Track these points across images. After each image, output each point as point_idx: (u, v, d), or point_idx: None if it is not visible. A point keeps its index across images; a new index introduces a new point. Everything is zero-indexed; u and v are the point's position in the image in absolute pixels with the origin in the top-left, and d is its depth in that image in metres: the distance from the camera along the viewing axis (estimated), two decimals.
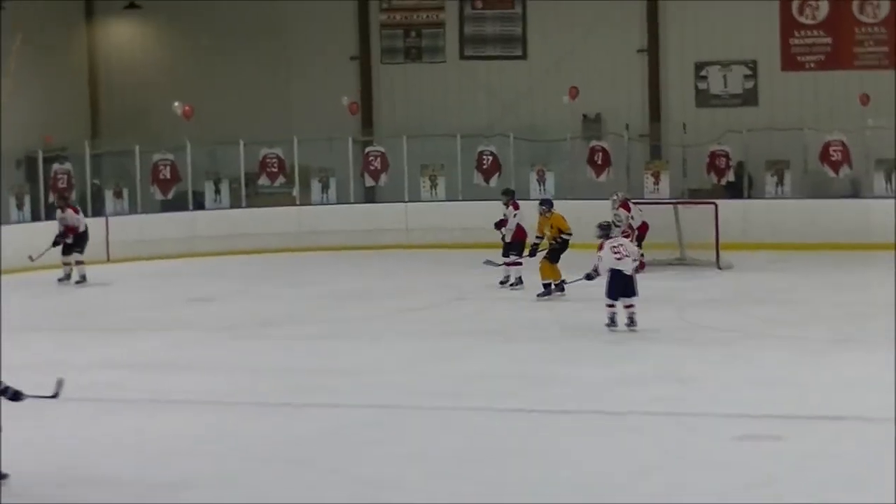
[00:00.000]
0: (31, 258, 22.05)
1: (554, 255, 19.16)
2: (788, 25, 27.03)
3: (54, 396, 10.66)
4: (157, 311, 19.32)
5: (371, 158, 26.97)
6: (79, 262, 22.02)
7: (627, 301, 16.24)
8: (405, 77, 29.01)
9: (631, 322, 16.23)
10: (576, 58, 27.77)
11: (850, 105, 25.50)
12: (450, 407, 12.77)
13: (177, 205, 26.23)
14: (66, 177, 25.50)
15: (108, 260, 24.04)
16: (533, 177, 26.15)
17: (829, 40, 26.87)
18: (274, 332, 17.30)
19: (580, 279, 17.35)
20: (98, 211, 25.20)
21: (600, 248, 16.47)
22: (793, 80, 27.05)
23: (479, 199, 25.23)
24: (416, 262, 23.97)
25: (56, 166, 25.56)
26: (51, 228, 22.52)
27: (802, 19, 26.96)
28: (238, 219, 26.08)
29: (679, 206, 22.85)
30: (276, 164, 26.78)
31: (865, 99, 25.11)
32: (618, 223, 21.36)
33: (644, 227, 21.73)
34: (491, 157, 26.60)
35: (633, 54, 27.76)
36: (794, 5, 26.94)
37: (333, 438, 11.66)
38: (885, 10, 26.52)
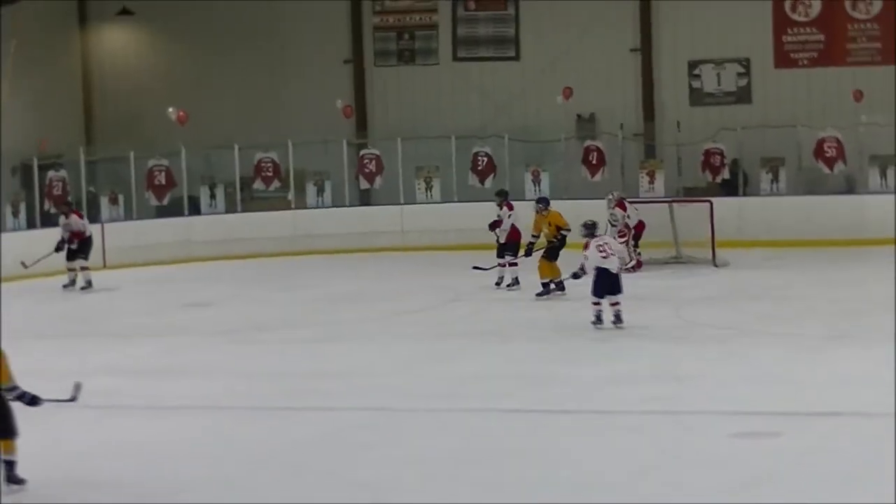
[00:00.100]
0: (24, 265, 22.05)
1: (553, 254, 19.16)
2: (781, 23, 27.07)
3: (72, 400, 10.73)
4: (153, 317, 19.31)
5: (366, 161, 26.97)
6: (84, 268, 22.01)
7: (613, 299, 16.33)
8: (399, 79, 29.02)
9: (617, 319, 16.30)
10: (569, 58, 27.80)
11: (844, 101, 25.54)
12: (446, 408, 12.75)
13: (172, 210, 26.25)
14: (61, 184, 25.50)
15: (105, 266, 24.02)
16: (528, 177, 26.16)
17: (821, 37, 26.91)
18: (269, 336, 17.29)
19: (567, 278, 17.80)
20: (94, 217, 25.13)
21: (586, 247, 16.61)
22: (786, 77, 27.09)
23: (475, 200, 25.25)
24: (412, 264, 23.97)
25: (51, 173, 25.55)
26: (47, 236, 22.51)
27: (795, 16, 26.99)
28: (233, 223, 26.09)
29: (674, 205, 22.88)
30: (271, 169, 26.78)
31: (859, 95, 25.14)
32: (614, 223, 21.48)
33: (640, 226, 21.79)
34: (486, 159, 26.61)
35: (626, 54, 27.79)
36: (787, 3, 27.00)
37: (329, 441, 11.65)
38: (877, 6, 26.58)
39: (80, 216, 22.56)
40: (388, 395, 13.41)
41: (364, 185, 27.04)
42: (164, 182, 26.31)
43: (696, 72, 27.63)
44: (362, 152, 27.15)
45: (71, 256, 22.03)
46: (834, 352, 14.84)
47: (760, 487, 9.78)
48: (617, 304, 16.33)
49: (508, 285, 20.08)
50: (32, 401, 10.47)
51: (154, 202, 26.39)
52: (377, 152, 27.00)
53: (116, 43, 30.14)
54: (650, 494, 9.80)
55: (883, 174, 24.75)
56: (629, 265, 21.41)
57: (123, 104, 29.68)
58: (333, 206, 26.63)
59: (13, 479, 10.31)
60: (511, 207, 20.36)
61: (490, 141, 26.71)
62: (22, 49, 25.91)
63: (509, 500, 9.84)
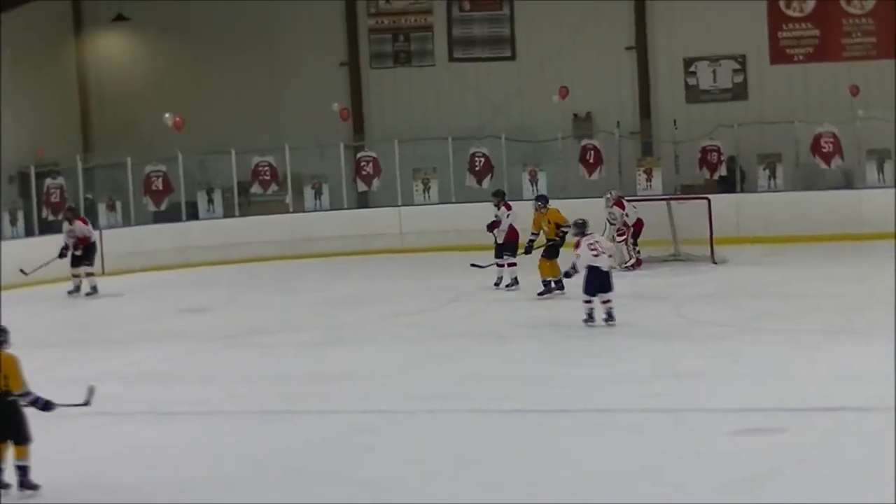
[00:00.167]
0: (23, 272, 22.04)
1: (553, 252, 19.15)
2: (776, 19, 27.08)
3: (86, 404, 10.76)
4: (153, 323, 19.31)
5: (363, 164, 26.96)
6: (89, 274, 22.01)
7: (605, 297, 16.40)
8: (395, 81, 29.03)
9: (609, 317, 16.35)
10: (565, 57, 27.82)
11: (840, 96, 25.55)
12: (447, 409, 12.75)
13: (170, 216, 26.23)
14: (58, 191, 25.49)
15: (103, 273, 23.97)
16: (525, 177, 26.15)
17: (817, 32, 26.92)
18: (269, 339, 17.28)
19: (558, 277, 18.12)
20: (92, 224, 25.13)
21: (577, 245, 16.69)
22: (782, 73, 27.11)
23: (472, 201, 25.23)
24: (411, 265, 23.96)
25: (49, 181, 25.54)
26: (45, 243, 22.50)
27: (790, 12, 27.01)
28: (232, 228, 26.07)
29: (672, 203, 22.89)
30: (268, 172, 26.77)
31: (855, 90, 25.14)
32: (612, 221, 21.49)
33: (639, 225, 21.79)
34: (483, 159, 26.60)
35: (621, 52, 27.80)
36: None
37: (331, 443, 11.66)
38: (871, 1, 26.57)
39: (85, 222, 22.57)
40: (389, 396, 13.42)
41: (362, 187, 27.03)
42: (161, 188, 26.29)
43: (692, 69, 27.64)
44: (359, 155, 27.14)
45: (75, 263, 22.02)
46: (834, 347, 14.84)
47: (762, 485, 9.78)
48: (608, 301, 16.40)
49: (507, 285, 20.07)
50: (46, 406, 10.54)
51: (152, 208, 26.37)
52: (374, 154, 26.99)
53: (112, 49, 30.14)
54: (651, 494, 9.80)
55: (880, 168, 24.75)
56: (629, 263, 21.47)
57: (120, 110, 29.68)
58: (331, 209, 26.62)
59: (27, 485, 10.38)
60: (509, 207, 20.34)
61: (487, 141, 26.70)
62: (17, 57, 25.92)
63: (510, 500, 9.85)
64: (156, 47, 29.92)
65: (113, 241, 24.78)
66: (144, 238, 25.33)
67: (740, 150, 25.71)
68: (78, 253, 21.97)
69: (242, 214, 26.57)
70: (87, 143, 29.72)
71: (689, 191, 25.37)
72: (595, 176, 26.08)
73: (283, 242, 25.85)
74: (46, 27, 29.01)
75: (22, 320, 18.58)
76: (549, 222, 19.31)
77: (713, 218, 21.97)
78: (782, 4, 27.00)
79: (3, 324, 10.62)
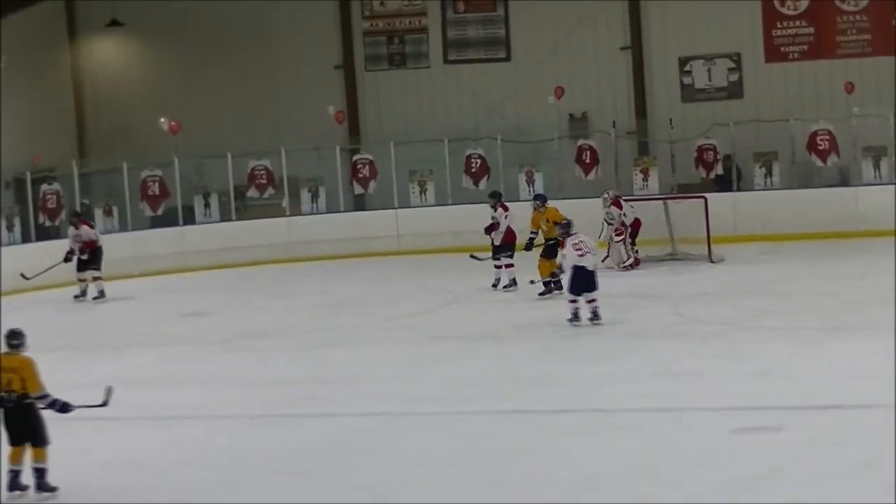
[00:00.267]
0: (24, 276, 22.04)
1: (552, 252, 19.11)
2: (771, 17, 27.06)
3: (104, 405, 10.78)
4: (150, 328, 19.30)
5: (359, 166, 26.93)
6: (96, 278, 21.99)
7: (590, 296, 16.48)
8: (390, 84, 29.00)
9: (594, 316, 16.40)
10: (560, 57, 27.80)
11: (835, 94, 25.55)
12: (446, 411, 12.75)
13: (167, 220, 26.20)
14: (55, 197, 25.45)
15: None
16: (522, 178, 26.13)
17: (811, 30, 26.90)
18: (266, 343, 17.28)
19: (546, 279, 18.36)
20: None
21: (562, 245, 16.80)
22: (777, 71, 27.09)
23: (469, 202, 25.22)
24: (408, 267, 23.95)
25: (45, 187, 25.50)
26: (42, 249, 22.49)
27: (784, 10, 26.99)
28: (228, 232, 26.04)
29: (669, 202, 22.87)
30: (264, 176, 26.73)
31: (850, 87, 25.13)
32: (610, 221, 21.49)
33: (636, 224, 21.79)
34: (479, 160, 26.56)
35: (616, 52, 27.78)
36: None
37: (330, 446, 11.66)
38: None
39: (91, 226, 22.58)
40: (388, 398, 13.42)
41: (358, 190, 27.00)
42: (157, 192, 26.25)
43: (687, 68, 27.62)
44: (355, 157, 27.12)
45: (82, 267, 21.99)
46: (833, 345, 14.85)
47: (762, 484, 9.78)
48: (594, 301, 16.47)
49: (505, 286, 20.05)
50: (63, 408, 10.61)
51: (148, 213, 26.33)
52: (370, 157, 26.97)
53: (107, 54, 30.11)
54: (651, 494, 9.80)
55: (876, 165, 24.74)
56: (627, 263, 21.46)
57: (115, 115, 29.65)
58: (328, 213, 26.59)
59: (44, 487, 10.43)
60: (506, 209, 20.32)
61: (483, 142, 26.67)
62: (12, 63, 25.89)
63: (510, 500, 9.85)
64: (151, 52, 29.89)
65: (110, 246, 24.65)
66: (141, 243, 25.27)
67: (736, 149, 25.69)
68: (84, 257, 21.94)
69: (239, 218, 26.53)
70: (82, 148, 29.67)
71: (685, 190, 25.35)
72: (591, 176, 26.07)
73: (280, 246, 25.83)
74: (41, 33, 28.96)
75: (21, 325, 18.58)
76: (547, 221, 19.31)
77: (710, 217, 21.96)
78: (776, 3, 26.98)
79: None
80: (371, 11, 29.04)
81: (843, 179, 25.50)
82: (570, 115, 27.61)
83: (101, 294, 21.93)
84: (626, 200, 22.03)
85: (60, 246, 22.64)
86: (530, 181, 26.06)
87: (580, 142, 26.52)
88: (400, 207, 26.33)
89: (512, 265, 20.01)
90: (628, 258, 21.55)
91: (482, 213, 20.97)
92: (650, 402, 12.46)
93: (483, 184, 26.11)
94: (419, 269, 23.54)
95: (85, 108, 30.16)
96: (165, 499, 10.43)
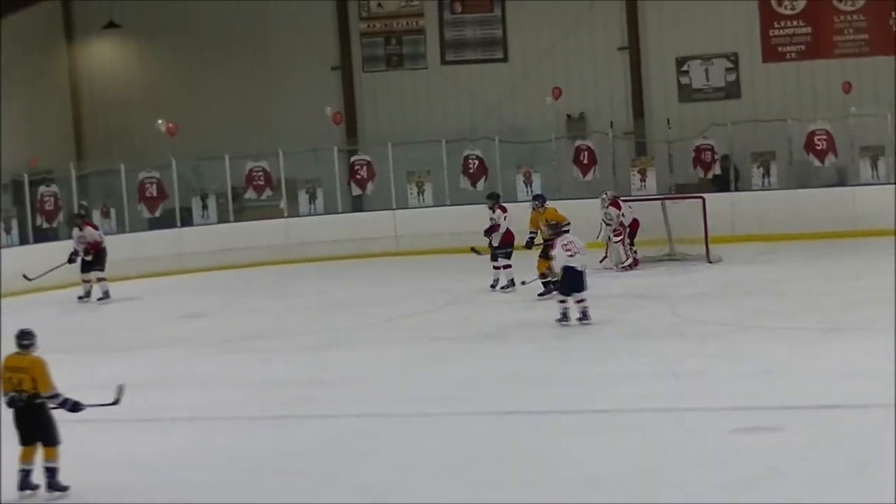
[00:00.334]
0: (26, 277, 22.03)
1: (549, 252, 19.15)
2: (768, 17, 27.08)
3: (115, 403, 10.78)
4: (148, 329, 19.28)
5: (357, 167, 26.94)
6: (100, 280, 21.98)
7: (579, 296, 16.51)
8: (387, 85, 29.00)
9: (584, 316, 16.43)
10: (557, 58, 27.82)
11: (833, 94, 25.58)
12: (445, 411, 12.74)
13: (165, 222, 26.20)
14: (52, 199, 25.43)
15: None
16: (520, 179, 26.14)
17: (808, 30, 26.92)
18: (265, 344, 17.27)
19: (536, 279, 18.48)
20: None
21: (552, 246, 16.85)
22: (774, 71, 27.11)
23: (467, 203, 25.23)
24: (406, 268, 23.95)
25: (42, 189, 25.49)
26: (40, 251, 22.46)
27: (782, 10, 27.01)
28: (226, 233, 26.04)
29: (667, 202, 22.89)
30: (262, 177, 26.74)
31: (847, 87, 25.14)
32: (608, 221, 21.50)
33: (635, 225, 21.80)
34: (477, 161, 26.57)
35: (613, 52, 27.79)
36: None
37: (328, 448, 11.65)
38: None
39: (95, 227, 22.59)
40: (386, 399, 13.41)
41: (356, 191, 27.01)
42: (155, 194, 26.25)
43: (685, 68, 27.64)
44: (353, 158, 27.13)
45: (86, 268, 21.98)
46: (832, 344, 14.85)
47: (763, 483, 9.78)
48: (583, 301, 16.50)
49: (503, 287, 20.05)
50: (74, 407, 10.66)
51: (146, 214, 26.34)
52: (368, 158, 26.97)
53: (104, 56, 30.10)
54: (651, 494, 9.79)
55: (874, 165, 24.76)
56: (625, 263, 21.47)
57: (113, 117, 29.64)
58: (326, 214, 26.60)
59: (55, 486, 10.45)
60: (504, 210, 20.31)
61: (480, 143, 26.69)
62: (9, 65, 25.88)
63: (510, 501, 9.84)
64: (148, 53, 29.89)
65: (108, 248, 24.68)
66: (139, 245, 25.25)
67: (734, 149, 25.71)
68: (88, 258, 21.94)
69: (237, 220, 26.54)
70: (80, 150, 29.67)
71: (683, 190, 25.36)
72: (589, 176, 26.08)
73: (278, 247, 25.82)
74: (37, 35, 28.96)
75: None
76: (546, 221, 19.30)
77: (708, 217, 21.97)
78: (774, 2, 27.00)
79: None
80: (368, 12, 29.05)
81: (841, 179, 25.53)
82: (568, 116, 27.62)
83: (106, 295, 21.92)
84: (624, 201, 22.04)
85: (58, 248, 22.66)
86: (528, 182, 26.07)
87: (578, 142, 26.55)
88: (398, 208, 26.34)
89: (510, 266, 20.01)
90: (626, 259, 21.55)
91: (480, 214, 20.95)
92: (651, 402, 12.45)
93: (481, 184, 26.13)
94: (417, 270, 23.53)
95: (82, 109, 30.16)
96: (164, 499, 10.42)
